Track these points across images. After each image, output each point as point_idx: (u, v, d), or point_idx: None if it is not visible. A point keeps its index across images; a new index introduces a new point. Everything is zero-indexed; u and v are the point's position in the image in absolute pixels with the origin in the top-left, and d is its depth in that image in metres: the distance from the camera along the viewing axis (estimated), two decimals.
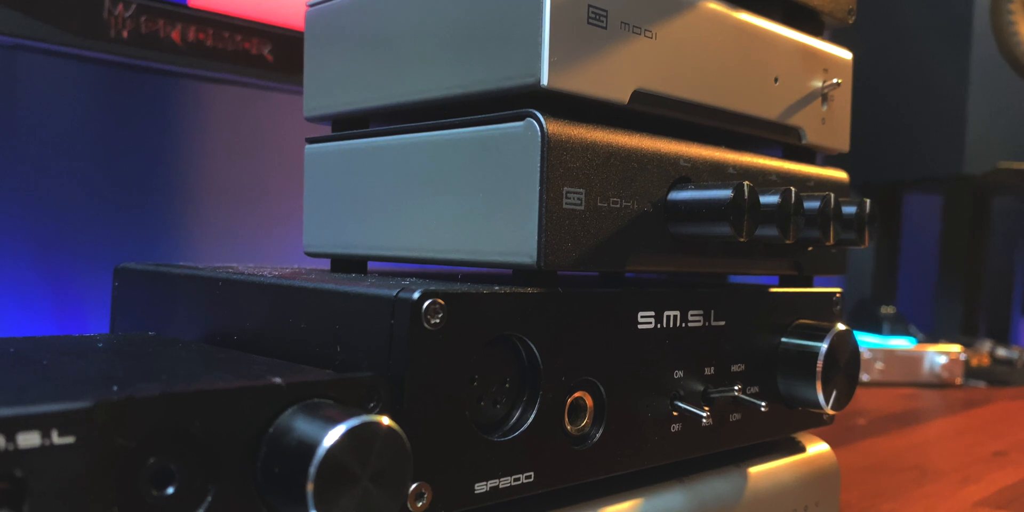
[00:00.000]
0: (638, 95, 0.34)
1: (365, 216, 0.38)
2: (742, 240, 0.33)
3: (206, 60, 0.63)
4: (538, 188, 0.30)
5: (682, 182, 0.35)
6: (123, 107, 0.66)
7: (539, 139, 0.30)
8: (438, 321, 0.27)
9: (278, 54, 0.66)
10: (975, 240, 1.16)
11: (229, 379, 0.24)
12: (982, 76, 0.96)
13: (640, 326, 0.33)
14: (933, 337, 1.02)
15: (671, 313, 0.35)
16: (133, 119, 0.66)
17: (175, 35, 0.61)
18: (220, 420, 0.22)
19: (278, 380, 0.24)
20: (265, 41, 0.66)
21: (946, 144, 1.00)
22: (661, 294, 0.34)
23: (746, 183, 0.33)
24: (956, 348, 0.91)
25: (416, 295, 0.27)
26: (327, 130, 0.43)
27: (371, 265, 0.42)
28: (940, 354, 0.89)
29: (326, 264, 0.43)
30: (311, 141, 0.41)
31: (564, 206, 0.30)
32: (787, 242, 0.35)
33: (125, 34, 0.59)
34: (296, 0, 0.66)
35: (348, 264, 0.41)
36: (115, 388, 0.21)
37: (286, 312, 0.31)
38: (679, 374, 0.35)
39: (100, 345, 0.31)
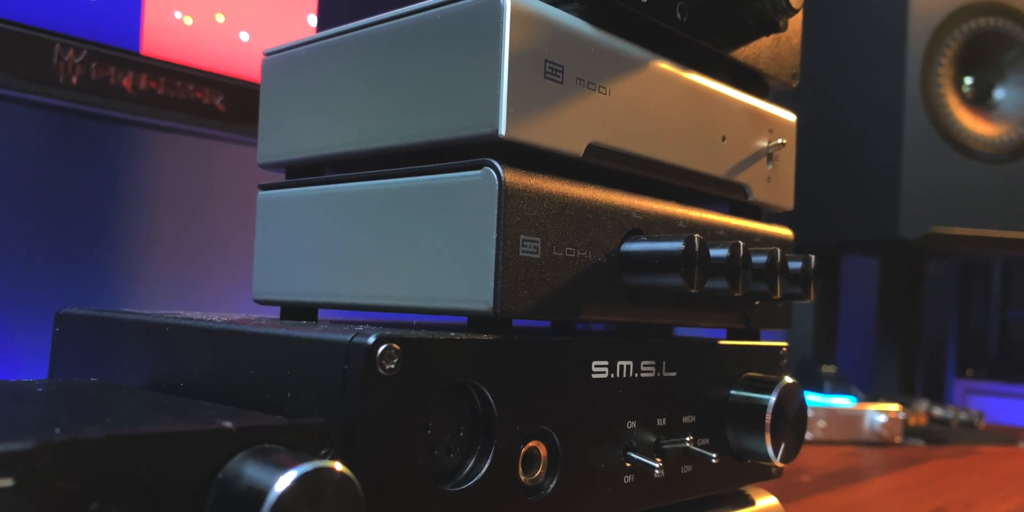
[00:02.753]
0: (592, 148, 0.35)
1: (318, 263, 0.37)
2: (693, 291, 0.34)
3: (157, 108, 0.62)
4: (495, 235, 0.30)
5: (635, 234, 0.36)
6: (71, 153, 0.65)
7: (496, 187, 0.30)
8: (393, 367, 0.27)
9: (230, 104, 0.66)
10: (911, 302, 1.20)
11: (177, 423, 0.23)
12: (914, 143, 1.00)
13: (594, 375, 0.33)
14: (873, 396, 1.04)
15: (624, 363, 0.35)
16: (81, 165, 0.65)
17: (126, 82, 0.61)
18: (167, 464, 0.21)
19: (228, 424, 0.23)
20: (217, 91, 0.66)
21: (881, 209, 1.03)
22: (614, 344, 0.35)
23: (697, 236, 0.34)
24: (895, 407, 0.92)
25: (371, 340, 0.26)
26: (280, 177, 0.42)
27: (321, 314, 0.42)
28: (880, 413, 0.91)
29: (275, 312, 0.42)
30: (264, 187, 0.41)
31: (520, 254, 0.31)
32: (736, 295, 0.35)
33: (75, 80, 0.58)
34: (249, 51, 0.66)
35: (299, 312, 0.40)
36: (57, 430, 0.21)
37: (235, 358, 0.31)
38: (632, 425, 0.35)
39: (40, 390, 0.30)
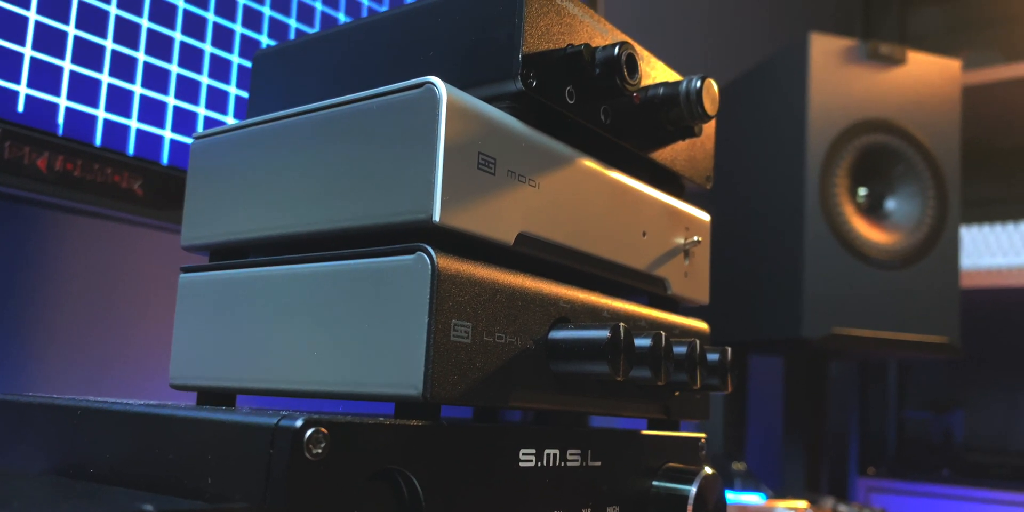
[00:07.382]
0: (522, 238, 0.36)
1: (240, 347, 0.37)
2: (619, 379, 0.34)
3: (71, 191, 0.61)
4: (427, 319, 0.30)
5: (562, 322, 0.36)
6: None
7: (429, 271, 0.31)
8: (320, 451, 0.26)
9: (148, 189, 0.65)
10: (815, 400, 1.23)
11: (92, 507, 0.22)
12: (815, 249, 1.05)
13: (522, 463, 0.33)
14: (781, 493, 1.05)
15: (551, 451, 0.35)
16: None
17: (41, 163, 0.60)
18: None
19: (149, 508, 0.22)
20: (136, 175, 0.65)
21: (785, 310, 1.07)
22: (541, 432, 0.35)
23: (622, 324, 0.34)
24: (803, 504, 0.93)
25: (299, 423, 0.26)
26: (202, 260, 0.42)
27: (238, 401, 0.41)
28: (788, 510, 0.92)
29: (191, 398, 0.41)
30: (186, 270, 0.41)
31: (452, 338, 0.31)
32: (659, 383, 0.36)
33: None
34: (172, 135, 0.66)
35: (216, 397, 0.39)
36: None
37: (152, 443, 0.29)
38: None
39: None
